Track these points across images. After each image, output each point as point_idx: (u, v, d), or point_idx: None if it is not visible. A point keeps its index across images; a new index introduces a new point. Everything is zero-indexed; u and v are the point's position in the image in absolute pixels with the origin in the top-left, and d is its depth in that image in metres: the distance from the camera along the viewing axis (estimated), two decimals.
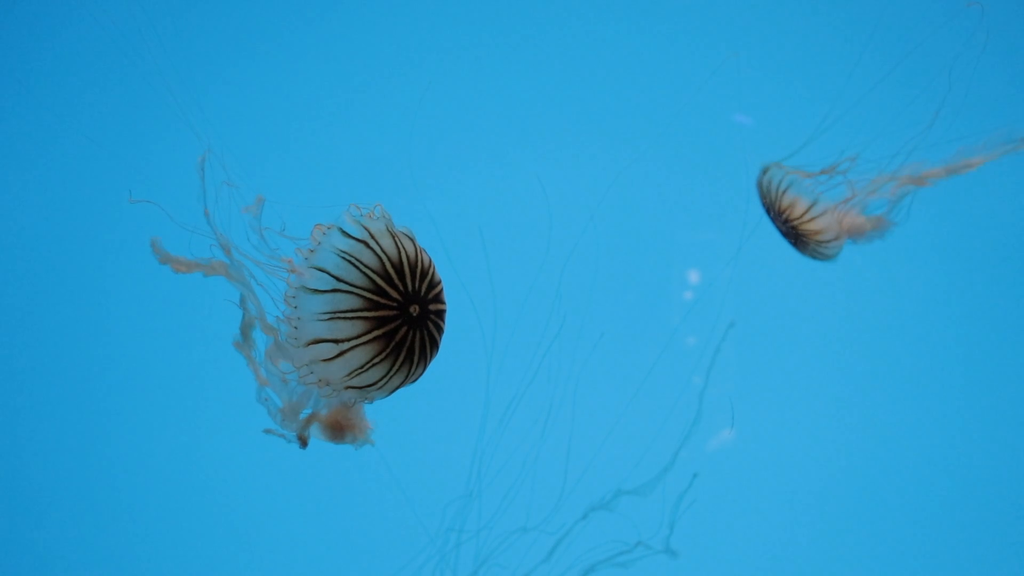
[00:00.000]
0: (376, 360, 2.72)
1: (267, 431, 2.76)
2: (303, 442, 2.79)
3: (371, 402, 2.85)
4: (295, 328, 2.67)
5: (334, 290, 2.64)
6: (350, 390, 2.78)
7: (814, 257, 3.72)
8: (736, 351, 4.77)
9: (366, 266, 2.67)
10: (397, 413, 3.08)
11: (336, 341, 2.65)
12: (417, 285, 2.75)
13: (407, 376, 2.81)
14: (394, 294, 2.70)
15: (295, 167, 4.86)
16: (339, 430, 2.84)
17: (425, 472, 4.36)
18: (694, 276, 4.61)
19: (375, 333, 2.68)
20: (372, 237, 2.71)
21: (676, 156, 4.29)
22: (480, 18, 4.99)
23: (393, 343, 2.71)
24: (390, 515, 4.52)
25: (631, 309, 4.67)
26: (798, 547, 4.71)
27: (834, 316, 4.87)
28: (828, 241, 3.62)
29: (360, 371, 2.72)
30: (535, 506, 3.56)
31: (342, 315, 2.65)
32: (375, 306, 2.67)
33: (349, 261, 2.66)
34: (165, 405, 4.64)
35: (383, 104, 4.96)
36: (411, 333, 2.73)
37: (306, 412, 2.84)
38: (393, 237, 2.74)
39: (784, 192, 3.66)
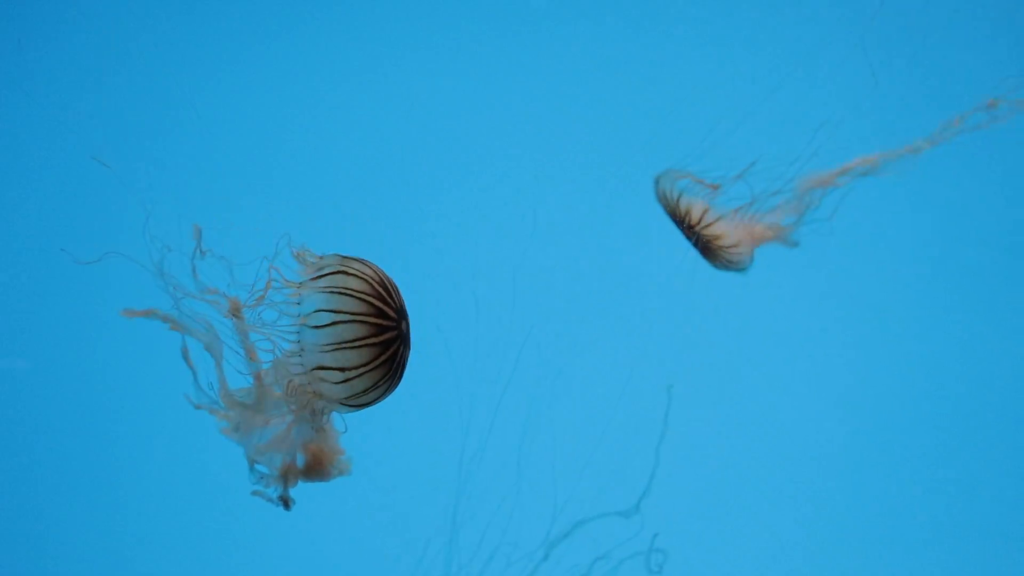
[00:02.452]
0: (380, 383, 2.73)
1: (255, 494, 2.76)
2: (286, 504, 2.79)
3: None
4: (299, 358, 2.66)
5: (333, 323, 2.63)
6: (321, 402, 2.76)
7: (726, 268, 3.67)
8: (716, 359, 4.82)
9: (357, 291, 2.66)
10: (370, 436, 3.10)
11: (342, 369, 2.65)
12: (400, 300, 2.74)
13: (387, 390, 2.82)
14: (391, 312, 2.70)
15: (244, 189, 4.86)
16: (316, 466, 2.84)
17: (404, 498, 4.39)
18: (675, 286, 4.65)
19: (382, 358, 2.68)
20: (345, 264, 2.69)
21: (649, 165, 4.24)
22: (459, 21, 5.00)
23: (394, 365, 2.72)
24: (372, 550, 4.55)
25: (610, 318, 4.70)
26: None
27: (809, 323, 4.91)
28: (731, 247, 3.57)
29: (361, 395, 2.73)
30: (521, 533, 3.61)
31: (348, 345, 2.65)
32: (380, 330, 2.67)
33: (338, 292, 2.65)
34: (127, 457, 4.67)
35: (358, 107, 4.97)
36: (402, 350, 2.73)
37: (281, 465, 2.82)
38: (357, 260, 2.73)
39: (679, 197, 3.61)
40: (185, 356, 2.70)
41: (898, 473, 4.77)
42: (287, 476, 2.80)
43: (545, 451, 3.79)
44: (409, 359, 2.81)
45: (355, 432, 2.89)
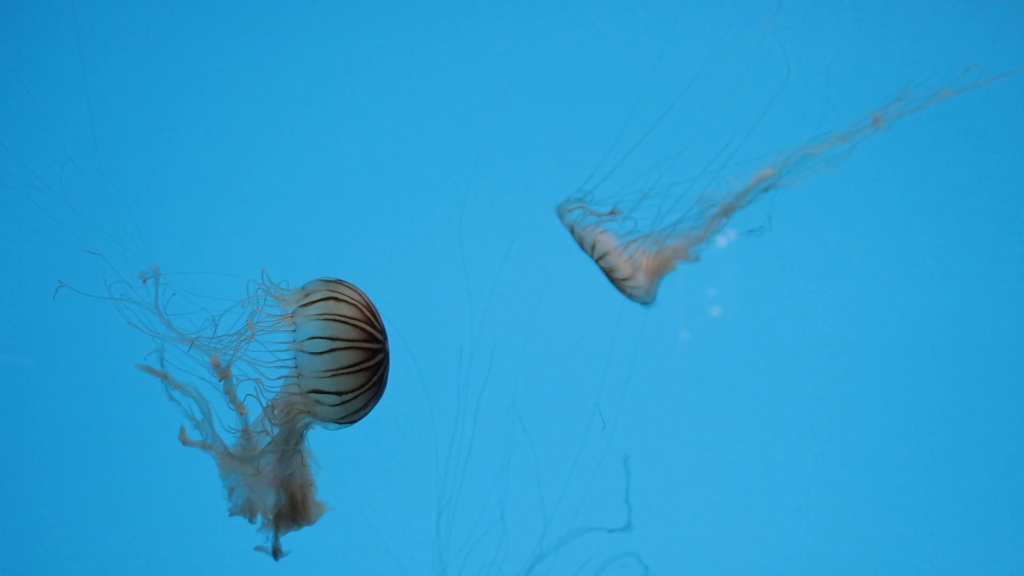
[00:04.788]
0: (369, 403, 2.82)
1: (258, 549, 2.83)
2: (277, 554, 2.85)
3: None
4: (296, 384, 2.72)
5: (332, 350, 2.69)
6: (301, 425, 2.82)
7: (632, 299, 3.59)
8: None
9: (350, 318, 2.72)
10: (347, 463, 3.12)
11: (340, 393, 2.72)
12: (381, 320, 2.81)
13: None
14: (379, 336, 2.77)
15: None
16: (301, 508, 2.89)
17: (389, 527, 4.38)
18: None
19: (373, 380, 2.77)
20: (333, 289, 2.74)
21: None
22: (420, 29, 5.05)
23: (381, 384, 2.81)
24: None
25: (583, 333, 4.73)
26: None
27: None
28: (626, 279, 3.50)
29: (354, 414, 2.80)
30: (508, 558, 3.66)
31: (344, 371, 2.72)
32: (372, 354, 2.75)
33: (332, 320, 2.71)
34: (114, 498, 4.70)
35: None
36: (386, 369, 2.82)
37: (269, 516, 2.87)
38: (341, 283, 2.78)
39: (583, 230, 3.53)
40: (202, 425, 2.76)
41: (884, 482, 4.83)
42: (278, 524, 2.87)
43: (527, 467, 3.83)
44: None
45: (330, 461, 2.97)
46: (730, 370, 4.85)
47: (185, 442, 2.75)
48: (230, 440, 2.83)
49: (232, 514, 2.82)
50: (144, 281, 2.64)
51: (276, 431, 2.82)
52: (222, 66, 4.87)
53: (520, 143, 4.92)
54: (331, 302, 2.72)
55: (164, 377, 2.69)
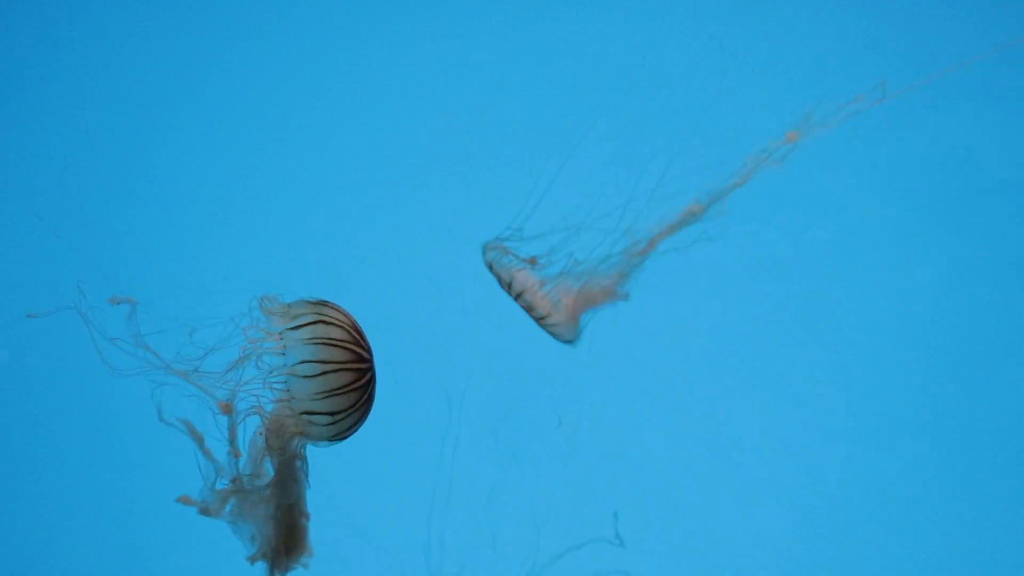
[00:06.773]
0: (360, 421, 2.85)
1: None
2: None
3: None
4: (289, 406, 2.74)
5: (323, 373, 2.73)
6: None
7: (557, 339, 3.50)
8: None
9: (339, 340, 2.76)
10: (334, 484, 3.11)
11: (332, 414, 2.76)
12: (367, 339, 2.84)
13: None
14: (366, 355, 2.81)
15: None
16: (293, 543, 2.89)
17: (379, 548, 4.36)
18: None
19: (364, 398, 2.81)
20: (320, 312, 2.77)
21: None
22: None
23: (370, 401, 2.84)
24: None
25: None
26: None
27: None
28: (543, 319, 3.40)
29: (346, 431, 2.84)
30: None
31: (336, 392, 2.75)
32: (361, 373, 2.79)
33: (321, 343, 2.73)
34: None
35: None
36: (374, 385, 2.85)
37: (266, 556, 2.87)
38: (327, 304, 2.81)
39: (501, 269, 3.43)
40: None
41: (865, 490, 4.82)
42: (274, 561, 2.86)
43: (517, 486, 3.84)
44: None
45: (319, 485, 2.97)
46: (726, 374, 4.79)
47: (186, 502, 2.77)
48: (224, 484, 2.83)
49: (253, 561, 2.84)
50: (118, 304, 2.68)
51: (271, 460, 2.85)
52: (205, 82, 4.83)
53: (504, 149, 4.86)
54: (320, 326, 2.75)
55: (200, 439, 2.73)
